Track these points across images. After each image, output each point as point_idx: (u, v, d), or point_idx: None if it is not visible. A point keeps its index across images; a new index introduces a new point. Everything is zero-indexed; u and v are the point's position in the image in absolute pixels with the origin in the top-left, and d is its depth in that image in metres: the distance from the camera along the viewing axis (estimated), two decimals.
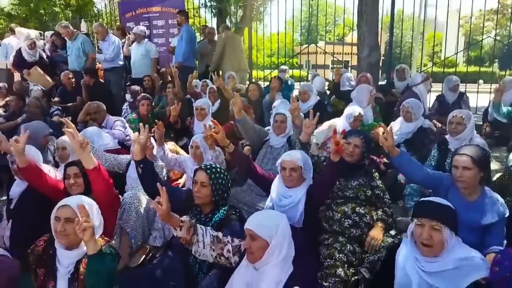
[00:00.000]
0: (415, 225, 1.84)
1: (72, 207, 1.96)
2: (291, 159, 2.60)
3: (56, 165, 3.71)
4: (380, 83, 6.84)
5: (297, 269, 2.32)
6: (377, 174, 2.98)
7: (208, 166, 2.42)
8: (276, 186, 2.70)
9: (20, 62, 6.33)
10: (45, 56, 6.76)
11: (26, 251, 2.04)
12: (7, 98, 5.85)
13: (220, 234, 2.06)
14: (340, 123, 3.94)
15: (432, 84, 5.81)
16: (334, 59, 8.18)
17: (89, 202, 2.05)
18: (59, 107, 5.57)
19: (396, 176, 3.66)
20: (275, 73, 7.82)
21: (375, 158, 3.76)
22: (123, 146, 4.23)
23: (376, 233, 2.65)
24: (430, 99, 5.89)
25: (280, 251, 1.77)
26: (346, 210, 2.78)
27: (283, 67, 7.35)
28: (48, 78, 6.37)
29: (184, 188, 2.83)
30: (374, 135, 4.17)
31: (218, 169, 2.42)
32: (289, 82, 6.75)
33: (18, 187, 2.95)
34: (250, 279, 1.77)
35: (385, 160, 3.82)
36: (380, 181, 2.94)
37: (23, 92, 5.80)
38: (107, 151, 3.81)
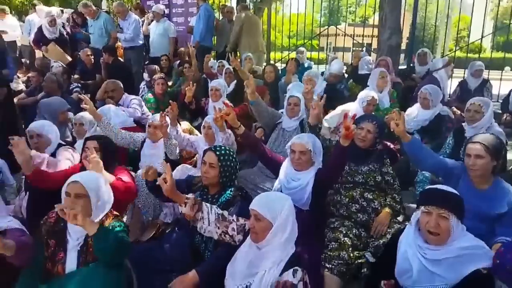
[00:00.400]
0: (422, 213, 1.82)
1: (82, 183, 2.01)
2: (301, 142, 2.60)
3: (74, 141, 3.82)
4: (400, 67, 6.68)
5: (301, 250, 2.39)
6: (388, 160, 2.95)
7: (218, 148, 2.44)
8: (285, 168, 2.71)
9: (40, 39, 6.42)
10: (65, 33, 6.85)
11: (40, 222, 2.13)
12: (29, 74, 6.00)
13: (225, 213, 2.10)
14: (353, 107, 3.89)
15: (456, 69, 5.64)
16: (355, 41, 7.99)
17: (97, 177, 2.11)
18: (79, 84, 5.68)
19: (408, 162, 3.61)
20: (293, 55, 7.72)
21: (388, 144, 3.72)
22: (139, 125, 4.30)
23: (383, 218, 2.65)
24: (452, 85, 5.73)
25: (283, 233, 1.79)
26: (354, 194, 2.79)
27: (301, 48, 7.25)
28: (66, 54, 6.44)
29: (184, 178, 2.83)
30: (388, 120, 4.11)
31: (227, 151, 2.43)
32: (306, 65, 6.67)
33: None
34: (252, 257, 1.81)
35: (398, 146, 3.77)
36: (391, 167, 2.91)
37: (44, 69, 5.92)
38: (123, 129, 3.90)
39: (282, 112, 3.79)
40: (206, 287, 2.04)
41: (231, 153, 2.46)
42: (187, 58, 6.28)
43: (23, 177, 3.12)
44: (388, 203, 2.77)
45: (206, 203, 2.08)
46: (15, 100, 4.96)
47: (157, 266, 2.33)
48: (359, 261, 2.51)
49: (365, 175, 2.81)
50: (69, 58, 6.47)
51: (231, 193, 2.37)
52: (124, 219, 3.12)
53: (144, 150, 3.44)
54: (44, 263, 2.00)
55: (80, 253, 2.00)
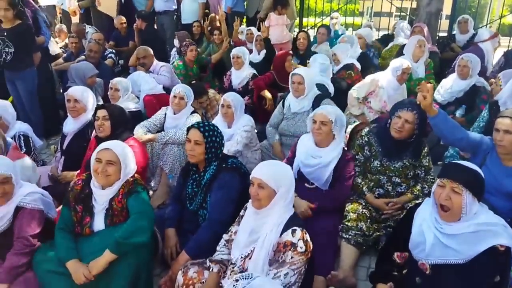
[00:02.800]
0: (437, 186, 1.79)
1: (113, 150, 2.12)
2: (323, 112, 2.57)
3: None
4: (440, 35, 6.31)
5: (317, 219, 2.44)
6: (427, 149, 2.65)
7: (201, 124, 2.42)
8: (305, 144, 2.67)
9: None
10: None
11: None
12: (66, 40, 6.18)
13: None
14: (383, 77, 3.75)
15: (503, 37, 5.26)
16: (394, 6, 7.56)
17: (125, 146, 2.23)
18: (113, 51, 5.81)
19: (436, 138, 3.50)
20: (326, 22, 7.45)
21: None
22: (168, 92, 4.38)
23: (400, 199, 2.60)
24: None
25: (285, 199, 1.84)
26: (380, 178, 2.67)
27: (335, 14, 6.96)
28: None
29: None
30: (419, 90, 3.95)
31: (211, 126, 2.42)
32: (340, 32, 6.43)
33: (70, 125, 3.18)
34: (253, 225, 1.86)
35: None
36: (428, 158, 2.64)
37: (80, 34, 6.07)
38: (152, 95, 4.01)
39: None
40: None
41: (215, 128, 2.43)
42: (218, 24, 6.22)
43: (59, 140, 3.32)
44: (416, 192, 2.61)
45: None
46: (53, 64, 5.19)
47: (181, 227, 2.47)
48: (377, 233, 2.53)
49: (398, 172, 2.63)
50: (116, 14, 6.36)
51: (214, 167, 2.39)
52: (152, 183, 3.29)
53: (166, 124, 3.43)
54: (73, 227, 2.16)
55: (106, 216, 2.14)
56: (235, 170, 2.39)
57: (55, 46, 6.18)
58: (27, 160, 2.69)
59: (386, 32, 6.98)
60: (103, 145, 2.17)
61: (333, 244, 2.43)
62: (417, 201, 2.44)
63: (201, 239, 2.24)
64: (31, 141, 3.02)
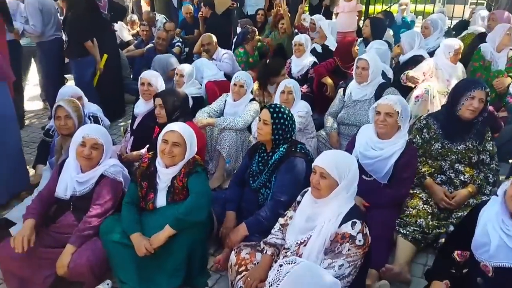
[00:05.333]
0: (511, 185, 1.67)
1: (180, 132, 2.23)
2: (388, 102, 2.45)
3: None
4: None
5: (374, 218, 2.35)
6: (490, 134, 2.60)
7: (273, 105, 2.45)
8: (365, 135, 2.58)
9: None
10: None
11: None
12: (138, 28, 6.53)
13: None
14: (437, 59, 3.62)
15: None
16: None
17: (189, 128, 2.33)
18: (180, 39, 6.04)
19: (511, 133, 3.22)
20: (394, 8, 7.10)
21: (491, 109, 3.32)
22: (229, 78, 4.48)
23: (460, 197, 2.46)
24: None
25: (347, 192, 1.78)
26: (442, 164, 2.57)
27: (404, 0, 6.60)
28: None
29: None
30: (497, 83, 3.66)
31: (282, 109, 2.43)
32: (409, 19, 6.10)
33: (141, 107, 3.40)
34: (310, 212, 1.84)
35: (504, 114, 3.36)
36: (492, 143, 2.57)
37: (151, 22, 6.39)
38: (214, 81, 4.14)
39: None
40: (255, 236, 2.23)
41: (286, 111, 2.44)
42: (281, 11, 6.18)
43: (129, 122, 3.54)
44: (479, 181, 2.51)
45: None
46: (124, 51, 5.55)
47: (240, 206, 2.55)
48: (438, 230, 2.41)
49: (461, 154, 2.53)
50: (230, 2, 6.13)
51: (283, 150, 2.40)
52: (210, 166, 3.42)
53: (226, 110, 3.53)
54: (139, 202, 2.32)
55: (168, 193, 2.27)
56: (303, 156, 2.40)
57: (126, 34, 6.60)
58: None
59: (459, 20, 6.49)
60: (170, 126, 2.28)
61: (388, 237, 2.36)
62: (482, 198, 2.29)
63: (263, 217, 2.29)
64: (100, 121, 3.26)
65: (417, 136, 2.66)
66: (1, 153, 2.94)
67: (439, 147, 2.59)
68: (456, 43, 3.66)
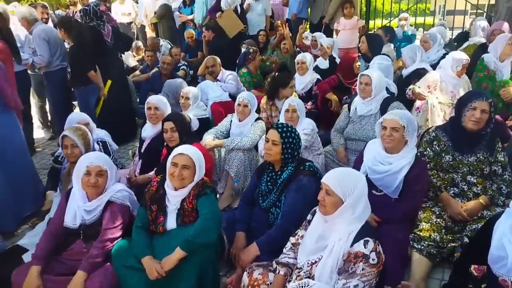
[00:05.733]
0: None
1: (189, 155, 2.25)
2: (394, 117, 2.44)
3: None
4: None
5: (385, 228, 2.33)
6: (500, 144, 2.58)
7: (280, 125, 2.47)
8: (373, 150, 2.57)
9: (216, 9, 6.42)
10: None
11: None
12: (143, 54, 6.66)
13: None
14: (442, 72, 3.63)
15: None
16: (468, 2, 7.05)
17: (198, 150, 2.35)
18: (185, 63, 6.14)
19: None
20: (394, 22, 7.18)
21: (500, 119, 3.30)
22: (234, 99, 4.53)
23: (471, 209, 2.43)
24: None
25: (354, 211, 1.76)
26: (454, 177, 2.55)
27: (404, 15, 6.68)
28: (240, 22, 6.24)
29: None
30: (504, 93, 3.65)
31: (289, 128, 2.46)
32: (409, 32, 6.16)
33: (149, 130, 3.43)
34: (321, 231, 1.82)
35: None
36: (503, 153, 2.56)
37: (155, 48, 6.52)
38: (219, 103, 4.18)
39: None
40: (267, 255, 2.20)
41: (293, 130, 2.47)
42: (283, 32, 6.27)
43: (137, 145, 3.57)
44: (491, 192, 2.49)
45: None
46: (130, 76, 5.65)
47: (250, 226, 2.53)
48: (452, 244, 2.37)
49: (472, 166, 2.52)
50: (243, 26, 6.29)
51: (292, 168, 2.41)
52: (218, 186, 3.41)
53: (232, 130, 3.56)
54: (149, 225, 2.32)
55: (178, 216, 2.27)
56: (312, 174, 2.40)
57: (131, 60, 6.73)
58: None
59: (461, 31, 6.54)
60: (179, 149, 2.29)
61: (403, 253, 2.32)
62: (497, 210, 2.26)
63: (274, 237, 2.28)
64: (109, 146, 3.30)
65: (428, 148, 2.65)
66: (12, 179, 2.97)
67: (450, 160, 2.57)
68: (465, 57, 3.66)
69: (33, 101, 5.15)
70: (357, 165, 2.64)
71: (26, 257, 2.46)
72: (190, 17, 7.02)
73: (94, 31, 4.51)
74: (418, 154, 2.58)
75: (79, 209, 2.25)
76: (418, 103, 3.62)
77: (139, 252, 2.16)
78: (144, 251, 2.16)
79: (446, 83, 3.68)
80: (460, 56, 3.65)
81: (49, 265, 2.16)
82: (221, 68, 4.92)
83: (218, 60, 4.91)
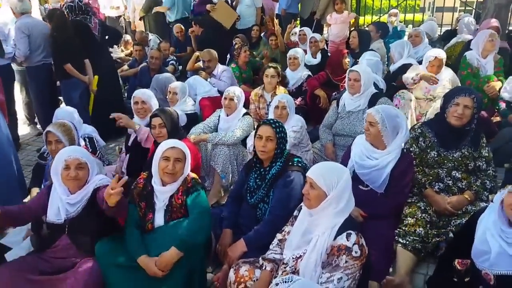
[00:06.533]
0: (508, 193, 1.66)
1: (181, 148, 2.24)
2: (370, 112, 2.51)
3: None
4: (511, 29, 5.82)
5: (370, 224, 2.34)
6: (484, 140, 2.61)
7: (271, 121, 2.46)
8: (360, 144, 2.59)
9: (204, 1, 6.34)
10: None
11: None
12: (131, 48, 6.57)
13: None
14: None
15: None
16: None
17: (184, 144, 2.32)
18: (174, 58, 6.08)
19: (507, 137, 3.24)
20: (384, 18, 7.20)
21: (485, 115, 3.35)
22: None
23: (456, 202, 2.46)
24: None
25: (338, 204, 1.77)
26: (439, 172, 2.58)
27: (394, 11, 6.71)
28: (234, 11, 6.18)
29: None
30: (488, 89, 3.70)
31: (280, 123, 2.46)
32: (399, 28, 6.19)
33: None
34: (306, 225, 1.83)
35: (498, 119, 3.38)
36: (487, 149, 2.59)
37: (144, 42, 6.43)
38: (207, 98, 4.17)
39: None
40: (254, 251, 2.19)
41: (281, 124, 2.47)
42: (272, 27, 6.25)
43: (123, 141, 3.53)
44: (475, 188, 2.52)
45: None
46: (118, 71, 5.58)
47: (237, 222, 2.52)
48: (437, 239, 2.40)
49: (457, 162, 2.54)
50: (236, 15, 6.19)
51: (281, 164, 2.40)
52: (206, 183, 3.40)
53: (220, 125, 3.54)
54: (140, 223, 2.29)
55: (166, 212, 2.25)
56: (301, 169, 2.39)
57: (119, 54, 6.65)
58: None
59: (449, 28, 6.59)
60: (169, 143, 2.26)
61: (388, 248, 2.33)
62: (481, 205, 2.29)
63: (262, 232, 2.28)
64: (95, 142, 3.25)
65: (414, 145, 2.67)
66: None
67: (435, 155, 2.60)
68: (433, 54, 3.61)
69: (20, 96, 5.08)
70: (344, 160, 2.65)
71: (9, 256, 2.41)
72: (164, 8, 6.91)
73: (82, 24, 4.44)
74: (404, 150, 2.59)
75: (62, 203, 2.19)
76: (395, 101, 3.65)
77: (134, 252, 2.14)
78: (139, 250, 2.14)
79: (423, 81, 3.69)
80: (430, 53, 3.64)
81: (31, 264, 2.12)
82: (217, 62, 4.78)
83: (214, 54, 4.73)
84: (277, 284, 1.25)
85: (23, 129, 5.21)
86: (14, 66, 4.59)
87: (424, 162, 2.64)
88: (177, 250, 2.07)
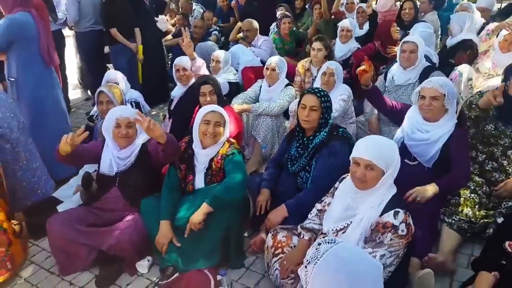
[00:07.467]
0: None
1: (220, 112, 2.28)
2: (433, 86, 2.30)
3: None
4: None
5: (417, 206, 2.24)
6: None
7: (316, 89, 2.39)
8: (411, 117, 2.46)
9: None
10: None
11: None
12: (176, 17, 6.61)
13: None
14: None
15: None
16: None
17: (225, 112, 2.35)
18: (217, 28, 6.05)
19: None
20: None
21: None
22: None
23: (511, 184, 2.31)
24: None
25: (392, 178, 1.71)
26: (494, 151, 2.43)
27: None
28: None
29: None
30: None
31: (325, 92, 2.38)
32: (454, 1, 5.76)
33: (178, 90, 3.49)
34: (351, 201, 1.78)
35: None
36: None
37: (188, 11, 6.45)
38: (250, 67, 4.13)
39: None
40: (293, 220, 2.19)
41: (328, 94, 2.40)
42: None
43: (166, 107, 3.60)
44: None
45: None
46: (163, 40, 5.64)
47: (276, 189, 2.51)
48: (485, 220, 2.28)
49: None
50: None
51: (325, 133, 2.35)
52: (246, 152, 3.41)
53: (261, 96, 3.52)
54: (179, 185, 2.37)
55: (205, 175, 2.31)
56: (345, 140, 2.34)
57: (163, 23, 6.69)
58: None
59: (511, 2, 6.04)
60: (208, 107, 2.31)
61: (433, 226, 2.25)
62: None
63: (304, 200, 2.25)
64: (141, 107, 3.34)
65: (471, 110, 2.50)
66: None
67: (492, 129, 2.44)
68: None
69: (75, 60, 5.28)
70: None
71: (60, 208, 2.57)
72: None
73: None
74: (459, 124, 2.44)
75: (113, 157, 2.34)
76: (452, 74, 3.40)
77: (161, 213, 2.22)
78: (165, 214, 2.22)
79: (495, 51, 3.41)
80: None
81: (80, 216, 2.26)
82: (257, 33, 4.74)
83: (255, 24, 4.71)
84: (319, 244, 1.22)
85: (73, 93, 5.44)
86: (69, 31, 4.74)
87: (480, 134, 2.48)
88: (207, 205, 2.13)
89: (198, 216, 2.13)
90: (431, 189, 2.22)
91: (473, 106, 2.44)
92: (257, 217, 2.42)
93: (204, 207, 2.13)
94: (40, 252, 2.47)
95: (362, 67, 2.55)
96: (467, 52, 3.68)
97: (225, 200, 2.14)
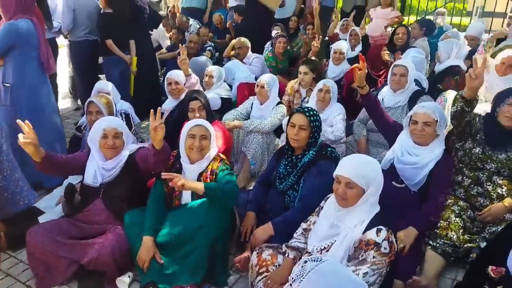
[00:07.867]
0: None
1: (205, 125, 2.28)
2: (426, 112, 2.32)
3: None
4: None
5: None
6: None
7: (306, 109, 2.41)
8: (402, 139, 2.48)
9: None
10: None
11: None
12: (172, 32, 6.66)
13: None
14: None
15: None
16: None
17: (210, 126, 2.36)
18: (212, 44, 6.12)
19: None
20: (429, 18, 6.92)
21: None
22: None
23: (496, 210, 2.32)
24: None
25: (373, 197, 1.73)
26: (480, 176, 2.45)
27: (441, 10, 6.44)
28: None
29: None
30: None
31: (314, 111, 2.40)
32: (444, 28, 5.93)
33: (169, 103, 3.52)
34: (335, 219, 1.79)
35: None
36: None
37: (184, 27, 6.51)
38: (245, 83, 4.18)
39: None
40: (278, 238, 2.18)
41: (317, 113, 2.42)
42: (311, 19, 6.16)
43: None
44: None
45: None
46: (157, 54, 5.68)
47: (263, 207, 2.52)
48: (469, 245, 2.29)
49: (500, 164, 2.40)
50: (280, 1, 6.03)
51: (314, 153, 2.36)
52: (235, 168, 3.41)
53: (253, 113, 3.53)
54: (165, 199, 2.34)
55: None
56: (334, 159, 2.35)
57: (159, 37, 6.73)
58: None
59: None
60: (193, 121, 2.32)
61: (417, 249, 2.25)
62: None
63: (291, 218, 2.24)
64: (131, 119, 3.33)
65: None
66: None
67: (480, 152, 2.47)
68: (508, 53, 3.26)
69: (67, 69, 5.26)
70: None
71: (41, 219, 2.52)
72: None
73: (137, 7, 4.56)
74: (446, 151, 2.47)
75: (98, 168, 2.31)
76: (438, 99, 3.46)
77: (145, 229, 2.18)
78: (148, 230, 2.18)
79: (489, 75, 3.36)
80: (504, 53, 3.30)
81: (62, 228, 2.21)
82: (249, 51, 4.83)
83: (247, 43, 4.82)
84: (305, 262, 1.22)
85: (63, 102, 5.41)
86: (63, 41, 4.73)
87: (468, 157, 2.51)
88: (202, 186, 2.12)
89: (190, 184, 2.11)
90: (414, 232, 2.22)
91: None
92: (242, 239, 2.41)
93: (199, 185, 2.13)
94: (17, 264, 2.39)
95: (356, 65, 2.59)
96: (455, 77, 3.75)
97: (219, 196, 2.13)
